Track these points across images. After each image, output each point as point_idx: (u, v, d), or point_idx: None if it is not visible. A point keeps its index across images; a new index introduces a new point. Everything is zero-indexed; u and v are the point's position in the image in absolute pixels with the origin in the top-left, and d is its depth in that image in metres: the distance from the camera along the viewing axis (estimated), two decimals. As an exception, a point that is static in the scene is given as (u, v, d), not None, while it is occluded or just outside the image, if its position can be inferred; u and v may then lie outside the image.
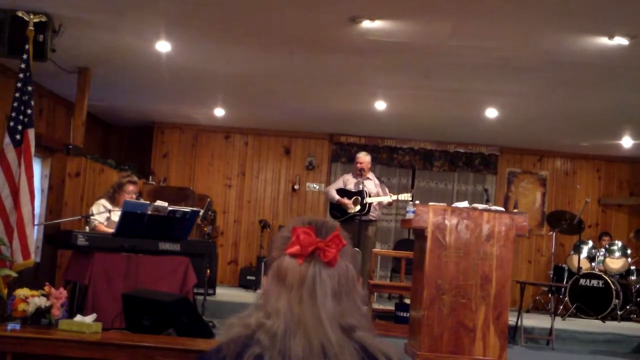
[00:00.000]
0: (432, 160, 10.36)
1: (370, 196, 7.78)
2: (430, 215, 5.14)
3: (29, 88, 5.29)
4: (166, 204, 5.66)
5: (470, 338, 5.05)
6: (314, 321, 1.24)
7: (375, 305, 7.80)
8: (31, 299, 3.99)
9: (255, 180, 10.36)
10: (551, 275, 9.56)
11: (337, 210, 8.03)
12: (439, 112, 8.56)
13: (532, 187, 10.46)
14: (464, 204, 5.48)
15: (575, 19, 5.15)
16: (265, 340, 1.23)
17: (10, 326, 3.89)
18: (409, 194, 7.94)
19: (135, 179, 6.33)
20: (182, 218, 5.70)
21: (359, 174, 7.99)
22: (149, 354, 3.73)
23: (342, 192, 8.02)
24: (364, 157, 8.05)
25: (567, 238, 9.85)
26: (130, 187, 6.10)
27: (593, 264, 9.06)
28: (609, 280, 8.54)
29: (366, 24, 5.41)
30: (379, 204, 7.95)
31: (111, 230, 5.74)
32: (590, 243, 9.31)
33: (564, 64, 6.15)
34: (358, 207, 7.76)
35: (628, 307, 8.84)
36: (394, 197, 7.90)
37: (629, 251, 9.13)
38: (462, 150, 10.32)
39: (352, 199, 7.88)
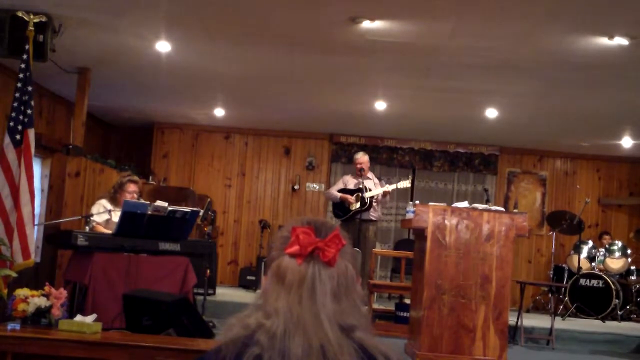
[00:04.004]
0: (432, 160, 10.36)
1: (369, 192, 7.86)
2: (430, 215, 5.14)
3: (29, 88, 5.29)
4: (166, 204, 5.66)
5: (470, 338, 5.05)
6: (313, 321, 1.24)
7: (375, 305, 7.80)
8: (31, 299, 4.00)
9: (255, 180, 10.36)
10: (551, 275, 9.56)
11: (339, 209, 8.07)
12: (439, 112, 8.56)
13: (532, 187, 10.46)
14: (464, 204, 5.48)
15: (575, 19, 5.15)
16: (264, 341, 1.23)
17: (10, 326, 3.89)
18: (408, 181, 8.00)
19: (136, 178, 6.32)
20: (182, 218, 5.69)
21: (360, 174, 8.02)
22: (149, 354, 3.73)
23: (343, 191, 8.07)
24: (362, 157, 8.10)
25: (567, 238, 9.85)
26: (132, 187, 6.09)
27: (593, 264, 9.06)
28: (609, 280, 8.54)
29: (366, 24, 5.41)
30: (379, 202, 7.98)
31: (109, 231, 5.74)
32: (590, 243, 9.31)
33: (564, 64, 6.15)
34: (359, 204, 7.80)
35: (628, 307, 8.84)
36: (393, 186, 7.96)
37: (629, 251, 9.13)
38: (462, 151, 10.32)
39: (354, 196, 7.93)
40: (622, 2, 4.80)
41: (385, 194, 7.96)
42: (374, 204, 7.89)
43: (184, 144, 10.38)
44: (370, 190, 7.85)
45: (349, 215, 7.89)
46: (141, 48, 6.44)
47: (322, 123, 9.76)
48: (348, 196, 7.94)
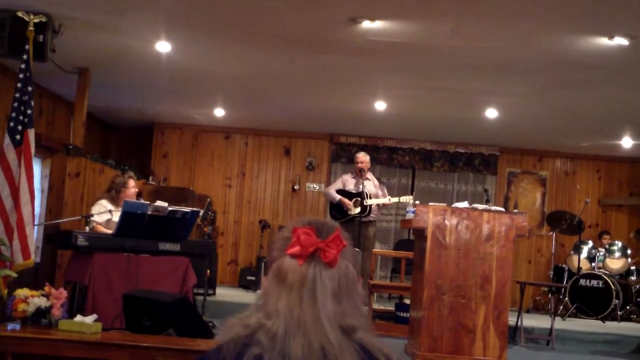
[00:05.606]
0: (432, 160, 10.36)
1: (370, 198, 7.78)
2: (430, 216, 5.14)
3: (29, 88, 5.29)
4: (166, 204, 5.66)
5: (470, 338, 5.05)
6: (313, 322, 1.24)
7: (375, 306, 7.79)
8: (31, 299, 4.00)
9: (255, 181, 10.36)
10: (551, 276, 9.56)
11: (337, 211, 8.02)
12: (439, 112, 8.56)
13: (532, 187, 10.45)
14: (464, 204, 5.48)
15: (575, 19, 5.15)
16: (265, 341, 1.23)
17: (10, 326, 3.89)
18: (410, 197, 7.93)
19: (132, 174, 6.37)
20: (182, 218, 5.69)
21: (360, 174, 7.99)
22: (149, 354, 3.73)
23: (342, 193, 8.02)
24: (364, 157, 8.07)
25: (567, 238, 9.85)
26: (132, 182, 6.15)
27: (593, 264, 9.06)
28: (609, 281, 8.53)
29: (366, 24, 5.41)
30: (379, 205, 7.95)
31: (109, 231, 5.74)
32: (590, 243, 9.31)
33: (563, 64, 6.15)
34: (358, 209, 7.75)
35: (628, 307, 8.84)
36: (395, 200, 7.91)
37: (629, 251, 9.13)
38: (462, 151, 10.32)
39: (353, 200, 7.87)
40: (622, 2, 4.81)
41: (385, 205, 7.95)
42: (373, 206, 7.86)
43: (184, 144, 10.38)
44: (370, 195, 7.79)
45: (347, 219, 7.83)
46: (141, 48, 6.44)
47: (322, 123, 9.76)
48: (347, 201, 7.89)
